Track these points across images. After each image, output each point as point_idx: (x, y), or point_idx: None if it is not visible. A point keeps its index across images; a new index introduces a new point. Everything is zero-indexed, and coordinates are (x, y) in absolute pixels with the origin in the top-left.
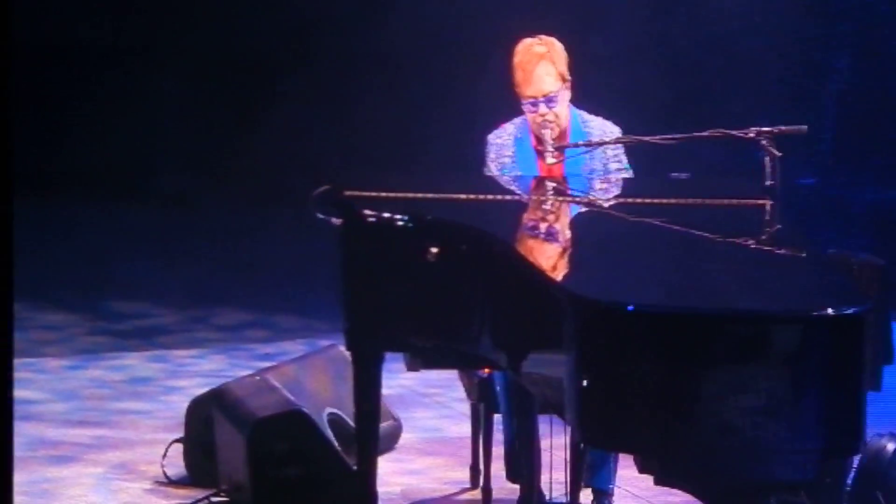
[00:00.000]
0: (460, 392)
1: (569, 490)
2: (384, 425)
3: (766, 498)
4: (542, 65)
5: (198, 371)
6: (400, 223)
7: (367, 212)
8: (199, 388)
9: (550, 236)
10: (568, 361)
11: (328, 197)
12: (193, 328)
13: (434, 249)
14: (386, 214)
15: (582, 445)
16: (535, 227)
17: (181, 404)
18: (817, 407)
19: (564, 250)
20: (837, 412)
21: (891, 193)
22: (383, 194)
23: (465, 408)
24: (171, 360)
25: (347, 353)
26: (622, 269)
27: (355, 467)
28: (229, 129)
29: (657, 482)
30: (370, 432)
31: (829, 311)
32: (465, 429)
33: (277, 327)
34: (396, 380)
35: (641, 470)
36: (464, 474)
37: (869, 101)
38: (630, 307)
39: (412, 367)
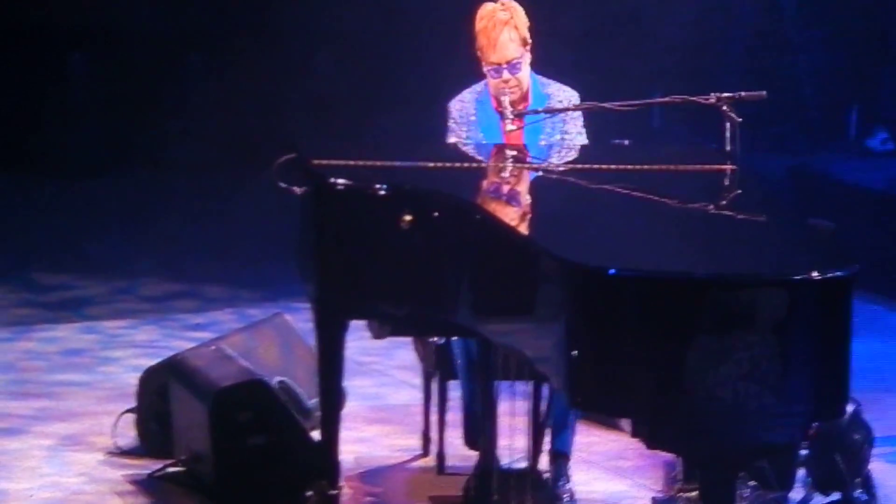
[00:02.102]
0: (398, 359)
1: (530, 453)
2: None
3: (755, 460)
4: (506, 31)
5: (131, 342)
6: (372, 191)
7: (338, 180)
8: (135, 358)
9: (513, 199)
10: (555, 327)
11: (293, 166)
12: (120, 299)
13: (407, 217)
14: (358, 183)
15: (545, 410)
16: (497, 191)
17: (119, 375)
18: (804, 371)
19: (526, 215)
20: (823, 376)
21: (781, 161)
22: (351, 163)
23: (405, 375)
24: (102, 331)
25: (292, 322)
26: (595, 235)
27: (316, 435)
28: (157, 102)
29: (649, 446)
30: (335, 401)
31: (815, 274)
32: (407, 396)
33: (204, 297)
34: None
35: (633, 434)
36: (414, 441)
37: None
38: (612, 271)
39: (379, 334)
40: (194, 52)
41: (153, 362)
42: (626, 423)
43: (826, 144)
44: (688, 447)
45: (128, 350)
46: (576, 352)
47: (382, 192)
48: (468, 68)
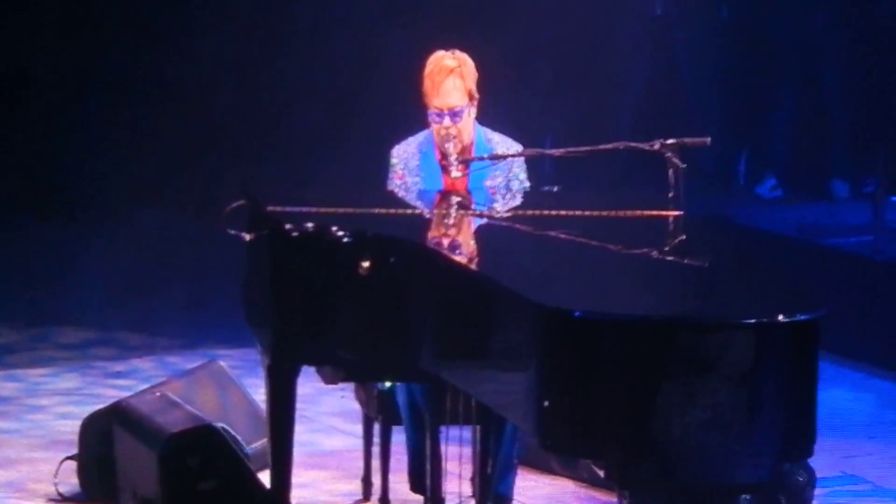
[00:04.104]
0: (325, 406)
1: (478, 497)
2: (267, 440)
3: (726, 501)
4: (451, 78)
5: (55, 389)
6: (329, 237)
7: (293, 227)
8: (62, 406)
9: (455, 249)
10: (521, 370)
11: (244, 212)
12: (38, 346)
13: (366, 263)
14: (314, 229)
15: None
16: (439, 244)
17: (48, 422)
18: (771, 414)
19: (472, 261)
20: (791, 417)
21: None
22: (304, 209)
23: (334, 421)
24: (25, 379)
25: (227, 368)
26: (550, 279)
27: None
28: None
29: (621, 487)
30: (285, 448)
31: (781, 317)
32: (339, 442)
33: (122, 345)
34: (257, 395)
35: (607, 475)
36: (353, 486)
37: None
38: (577, 313)
39: (332, 379)
40: (92, 96)
41: (80, 409)
42: (558, 465)
43: (714, 191)
44: (660, 488)
45: (53, 398)
46: (547, 402)
47: (343, 239)
48: (413, 115)
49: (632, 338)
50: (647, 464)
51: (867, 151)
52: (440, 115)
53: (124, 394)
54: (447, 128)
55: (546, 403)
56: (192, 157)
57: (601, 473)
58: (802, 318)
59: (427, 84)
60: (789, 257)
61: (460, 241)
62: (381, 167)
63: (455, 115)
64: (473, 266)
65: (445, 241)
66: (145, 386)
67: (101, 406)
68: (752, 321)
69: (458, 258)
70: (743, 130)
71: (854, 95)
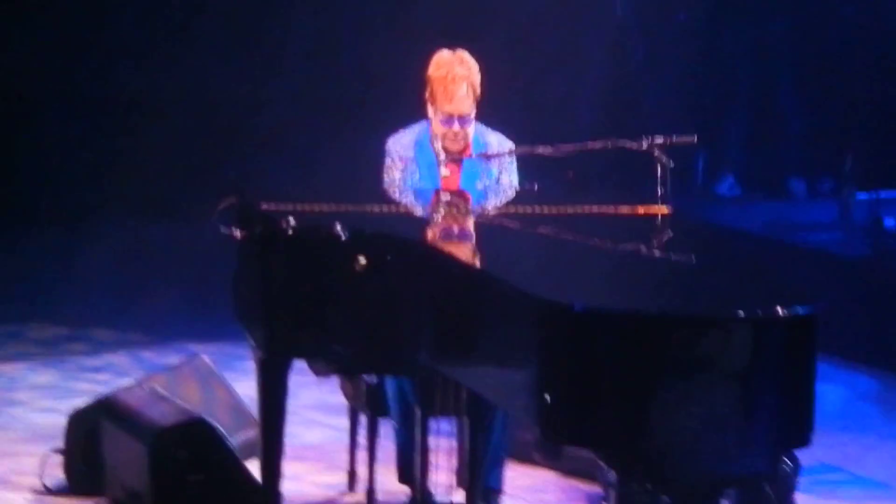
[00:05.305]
0: (304, 399)
1: (467, 490)
2: (250, 432)
3: (724, 489)
4: (464, 86)
5: (33, 384)
6: (324, 235)
7: (288, 224)
8: (41, 400)
9: (465, 237)
10: (521, 363)
11: (236, 210)
12: (10, 343)
13: (362, 260)
14: (309, 227)
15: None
16: (448, 231)
17: (28, 416)
18: (771, 405)
19: (476, 253)
20: (790, 408)
21: None
22: (299, 207)
23: (313, 414)
24: (2, 374)
25: (211, 363)
26: (548, 276)
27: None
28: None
29: (621, 477)
30: (277, 441)
31: (780, 310)
32: (320, 434)
33: (95, 340)
34: (238, 388)
35: (608, 465)
36: (338, 478)
37: None
38: (578, 308)
39: (323, 373)
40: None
41: (59, 404)
42: (539, 456)
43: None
44: (659, 478)
45: (31, 392)
46: (548, 395)
47: (340, 236)
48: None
49: (631, 333)
50: (645, 455)
51: (824, 151)
52: (449, 120)
53: (101, 388)
54: (456, 132)
55: (547, 397)
56: (165, 162)
57: (600, 463)
58: (801, 312)
59: (437, 88)
60: (757, 254)
61: (469, 230)
62: (376, 163)
63: (465, 121)
64: (478, 258)
65: (456, 228)
66: (122, 380)
67: (79, 400)
68: (751, 316)
69: (467, 246)
70: (701, 130)
71: (809, 96)
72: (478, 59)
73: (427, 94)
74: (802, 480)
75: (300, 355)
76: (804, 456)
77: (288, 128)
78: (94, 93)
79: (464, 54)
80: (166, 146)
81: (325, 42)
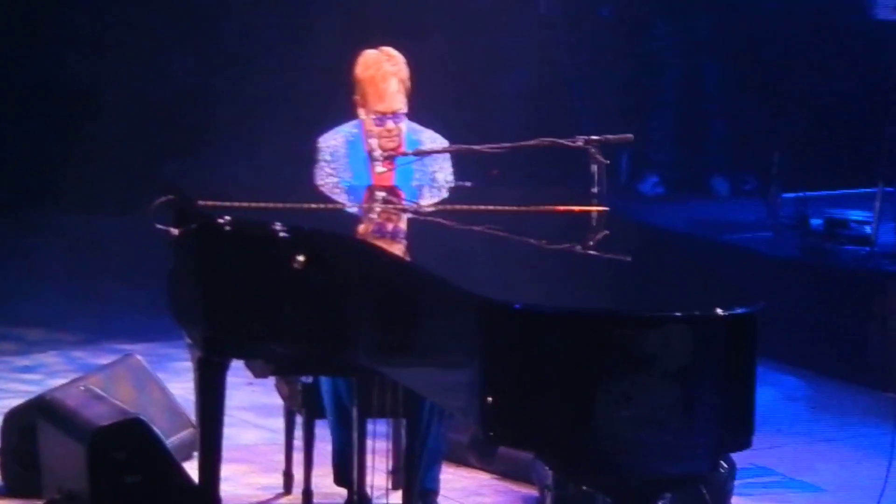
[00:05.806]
0: (237, 400)
1: (403, 491)
2: (185, 433)
3: (665, 491)
4: (394, 82)
5: None
6: (262, 232)
7: (226, 221)
8: None
9: (397, 235)
10: (461, 363)
11: (172, 207)
12: None
13: (300, 258)
14: (247, 224)
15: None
16: (381, 229)
17: None
18: (711, 406)
19: (407, 252)
20: (730, 409)
21: None
22: (236, 204)
23: (246, 415)
24: None
25: (145, 363)
26: (484, 274)
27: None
28: None
29: (562, 478)
30: (215, 441)
31: (719, 310)
32: (253, 435)
33: (24, 340)
34: (172, 389)
35: (549, 467)
36: (273, 480)
37: None
38: (517, 305)
39: (262, 373)
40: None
41: None
42: (474, 459)
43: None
44: (599, 479)
45: None
46: (489, 396)
47: (279, 234)
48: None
49: (571, 331)
50: (586, 457)
51: (747, 150)
52: (382, 119)
53: (32, 388)
54: (389, 130)
55: (488, 397)
56: (112, 156)
57: (536, 465)
58: (740, 311)
59: (368, 89)
60: (688, 253)
61: (401, 228)
62: (306, 160)
63: (398, 117)
64: (408, 257)
65: (389, 225)
66: (53, 381)
67: (9, 400)
68: (690, 315)
69: (399, 246)
70: (624, 128)
71: (733, 96)
72: (407, 58)
73: (357, 97)
74: (735, 484)
75: (237, 355)
76: (736, 458)
77: (239, 122)
78: (43, 84)
79: (389, 50)
80: (113, 139)
81: (275, 37)
